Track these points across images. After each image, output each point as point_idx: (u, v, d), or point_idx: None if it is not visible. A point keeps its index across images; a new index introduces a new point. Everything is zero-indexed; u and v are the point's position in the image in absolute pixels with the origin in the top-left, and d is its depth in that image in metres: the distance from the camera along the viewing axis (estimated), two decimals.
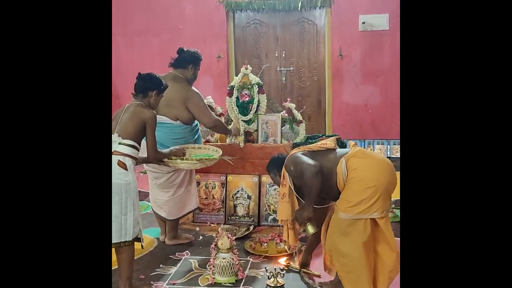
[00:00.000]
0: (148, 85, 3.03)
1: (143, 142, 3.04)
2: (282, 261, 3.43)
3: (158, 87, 3.06)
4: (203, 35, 7.36)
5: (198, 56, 3.86)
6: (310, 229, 2.88)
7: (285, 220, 3.05)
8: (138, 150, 2.94)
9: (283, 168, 2.99)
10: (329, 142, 3.00)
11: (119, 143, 2.85)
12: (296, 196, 3.01)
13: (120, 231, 2.79)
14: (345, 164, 2.74)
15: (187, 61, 3.79)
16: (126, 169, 2.81)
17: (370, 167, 2.73)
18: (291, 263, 3.38)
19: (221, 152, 3.70)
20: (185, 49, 3.85)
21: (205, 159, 3.51)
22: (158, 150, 3.12)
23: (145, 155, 3.12)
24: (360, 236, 2.67)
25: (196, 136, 3.87)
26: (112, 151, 2.81)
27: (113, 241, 2.78)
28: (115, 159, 2.80)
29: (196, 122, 3.84)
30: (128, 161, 2.84)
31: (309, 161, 2.79)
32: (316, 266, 3.42)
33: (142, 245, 2.98)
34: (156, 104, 3.11)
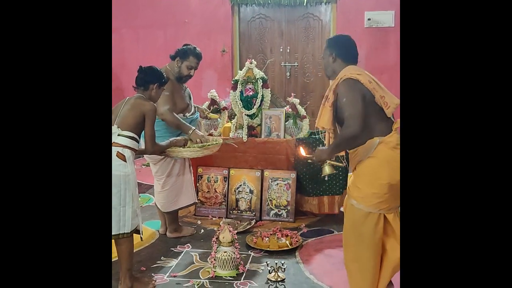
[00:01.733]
0: (149, 78, 3.05)
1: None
2: (303, 152, 3.09)
3: (159, 80, 3.09)
4: (208, 29, 7.35)
5: (187, 50, 3.74)
6: (327, 170, 2.75)
7: (326, 128, 2.78)
8: (137, 142, 2.95)
9: (338, 83, 2.65)
10: (391, 108, 2.62)
11: (118, 135, 2.85)
12: None
13: (118, 223, 2.79)
14: (376, 144, 2.58)
15: (176, 53, 3.75)
16: (125, 161, 2.82)
17: (390, 162, 2.54)
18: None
19: (220, 140, 3.69)
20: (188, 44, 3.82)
21: (209, 145, 3.52)
22: (157, 142, 3.12)
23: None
24: (372, 227, 2.60)
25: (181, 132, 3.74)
26: (112, 142, 2.82)
27: (112, 233, 2.78)
28: (114, 150, 2.80)
29: (188, 117, 3.81)
30: (127, 153, 2.84)
31: (359, 117, 2.51)
32: (318, 261, 3.43)
33: (141, 237, 2.99)
34: (157, 97, 3.13)
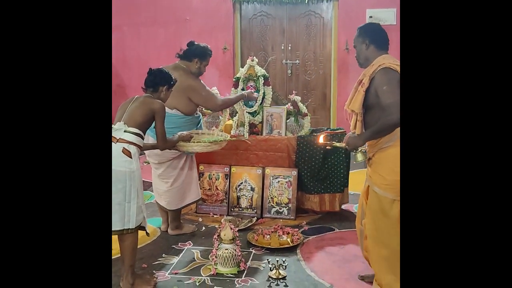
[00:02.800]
0: (158, 80, 3.09)
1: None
2: (322, 139, 3.06)
3: (168, 82, 3.13)
4: (210, 27, 7.35)
5: (205, 51, 3.81)
6: (359, 157, 2.72)
7: (356, 112, 2.74)
8: (143, 138, 2.96)
9: (375, 70, 2.65)
10: None
11: (125, 131, 2.86)
12: None
13: (123, 219, 2.80)
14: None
15: (192, 54, 3.77)
16: (131, 157, 2.82)
17: None
18: (334, 142, 3.03)
19: (228, 136, 3.76)
20: (195, 43, 3.82)
21: (220, 141, 3.57)
22: (167, 138, 3.16)
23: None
24: (397, 213, 2.57)
25: (195, 128, 3.82)
26: (117, 138, 2.83)
27: (116, 229, 2.79)
28: (120, 146, 2.81)
29: (197, 114, 3.87)
30: (133, 149, 2.85)
31: (400, 105, 2.41)
32: (319, 259, 3.43)
33: (147, 233, 2.99)
34: (166, 99, 3.18)
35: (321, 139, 3.03)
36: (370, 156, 2.74)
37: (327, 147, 3.51)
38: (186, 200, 3.88)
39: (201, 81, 3.80)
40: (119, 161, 2.76)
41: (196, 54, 3.77)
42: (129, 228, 2.83)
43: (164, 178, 3.81)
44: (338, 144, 2.90)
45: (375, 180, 2.67)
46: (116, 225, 2.78)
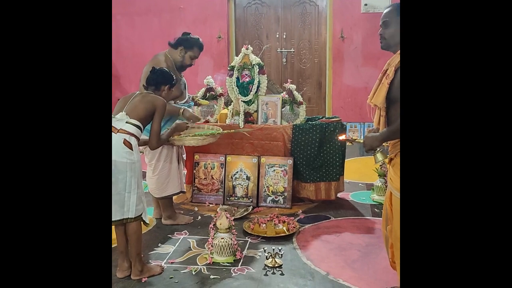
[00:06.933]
0: (161, 80, 3.14)
1: None
2: (342, 137, 2.93)
3: (170, 82, 3.18)
4: (204, 15, 7.31)
5: (191, 40, 3.79)
6: (379, 157, 2.47)
7: (379, 107, 2.47)
8: (141, 131, 2.97)
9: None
10: None
11: (126, 122, 2.88)
12: None
13: (122, 208, 2.81)
14: None
15: (179, 42, 3.78)
16: (131, 149, 2.83)
17: None
18: (357, 138, 2.90)
19: (220, 129, 3.75)
20: (190, 34, 3.85)
21: (217, 133, 3.59)
22: (160, 137, 3.16)
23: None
24: None
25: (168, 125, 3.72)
26: (118, 129, 2.85)
27: (115, 219, 2.81)
28: (120, 137, 2.82)
29: (183, 105, 3.83)
30: (134, 141, 2.87)
31: None
32: (315, 247, 3.44)
33: (146, 222, 3.00)
34: (167, 98, 3.22)
35: (340, 137, 2.92)
36: (392, 157, 2.47)
37: (347, 143, 3.38)
38: (168, 191, 3.83)
39: (178, 76, 3.70)
40: (120, 152, 2.78)
41: (181, 43, 3.76)
42: (128, 218, 2.84)
43: (149, 166, 3.84)
44: (361, 141, 2.65)
45: (396, 184, 2.39)
46: (115, 215, 2.80)
